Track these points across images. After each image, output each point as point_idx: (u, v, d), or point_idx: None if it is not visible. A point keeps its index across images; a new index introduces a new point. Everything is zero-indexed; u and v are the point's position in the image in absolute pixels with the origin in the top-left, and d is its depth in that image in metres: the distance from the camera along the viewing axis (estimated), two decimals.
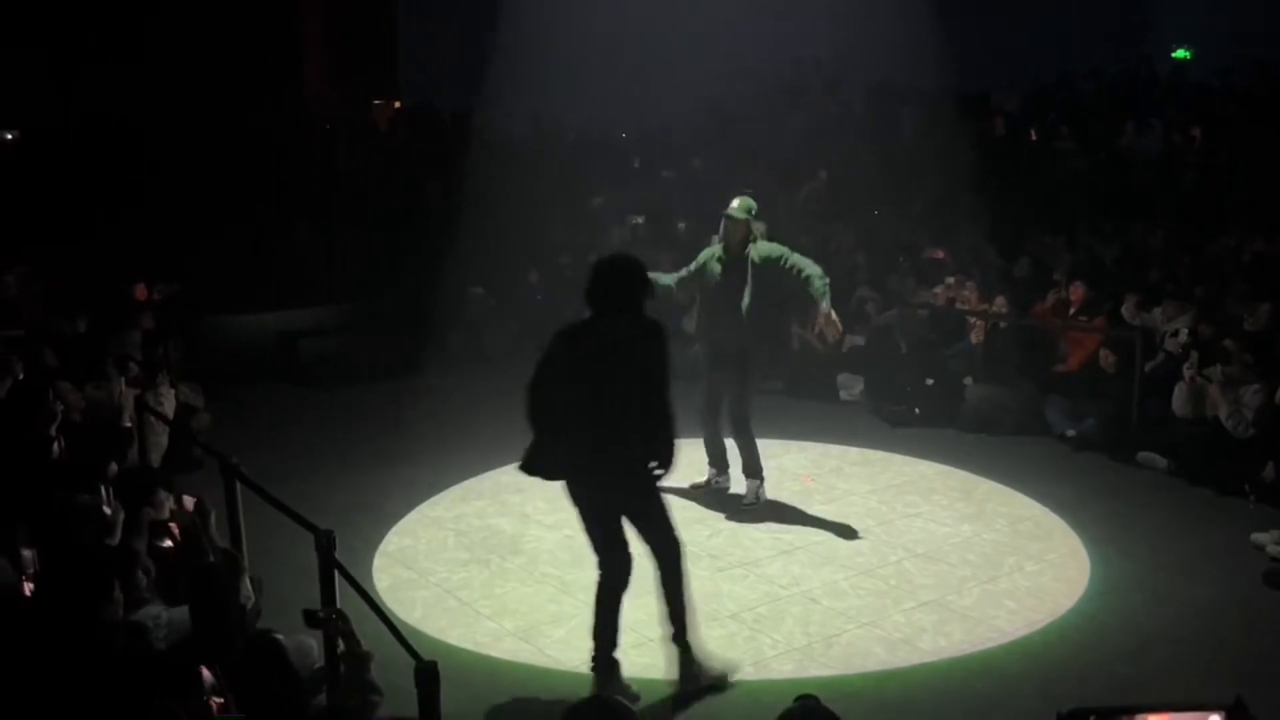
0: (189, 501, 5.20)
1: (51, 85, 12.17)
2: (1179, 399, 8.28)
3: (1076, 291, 9.62)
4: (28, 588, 4.34)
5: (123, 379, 7.83)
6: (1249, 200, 10.87)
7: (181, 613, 4.25)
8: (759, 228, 7.27)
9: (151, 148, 12.16)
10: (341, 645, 3.93)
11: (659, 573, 5.20)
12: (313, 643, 4.54)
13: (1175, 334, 8.89)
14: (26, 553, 4.56)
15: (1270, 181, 10.97)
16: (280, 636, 4.15)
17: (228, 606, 3.98)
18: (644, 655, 5.65)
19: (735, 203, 7.18)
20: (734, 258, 7.13)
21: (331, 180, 13.58)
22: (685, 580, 5.23)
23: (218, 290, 11.22)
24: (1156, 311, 9.36)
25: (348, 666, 3.86)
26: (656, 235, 12.59)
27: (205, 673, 3.40)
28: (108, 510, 4.92)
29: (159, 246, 10.84)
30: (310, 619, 3.98)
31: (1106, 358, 9.02)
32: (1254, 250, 9.99)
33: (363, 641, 3.90)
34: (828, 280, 7.03)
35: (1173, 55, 17.56)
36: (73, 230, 10.96)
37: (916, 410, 9.65)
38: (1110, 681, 5.41)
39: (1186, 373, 8.19)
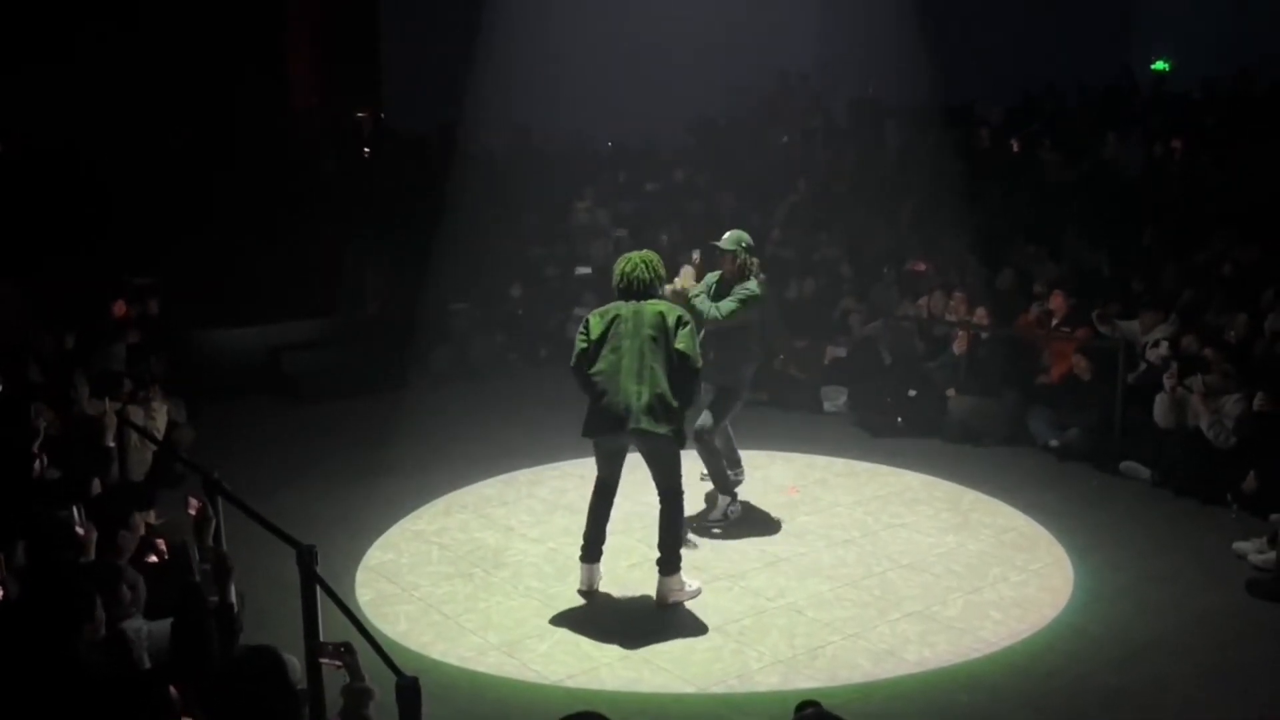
0: (194, 504, 5.15)
1: (40, 97, 12.11)
2: (1160, 409, 8.30)
3: (1056, 301, 9.64)
4: None
5: (107, 397, 7.77)
6: (1230, 211, 10.92)
7: (162, 626, 4.21)
8: (753, 262, 7.38)
9: (135, 160, 12.11)
10: (347, 678, 3.89)
11: (660, 509, 6.30)
12: (295, 660, 4.51)
13: (1156, 344, 8.93)
14: None
15: (1250, 192, 11.03)
16: (287, 656, 4.12)
17: (209, 626, 3.94)
18: (629, 668, 5.64)
19: (726, 235, 7.37)
20: (727, 285, 7.28)
21: (316, 194, 13.54)
22: (677, 521, 6.33)
23: (201, 304, 11.17)
24: (1134, 322, 9.39)
25: (348, 701, 3.82)
26: (640, 248, 12.58)
27: (173, 692, 3.35)
28: (80, 530, 4.88)
29: (143, 260, 10.79)
30: (318, 649, 3.94)
31: (1079, 363, 9.06)
32: (1234, 260, 10.04)
33: (367, 677, 3.87)
34: (719, 314, 7.07)
35: (1152, 67, 17.66)
36: (56, 245, 10.90)
37: (900, 420, 9.65)
38: (1096, 692, 5.42)
39: (1168, 383, 8.22)
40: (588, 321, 6.24)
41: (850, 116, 15.63)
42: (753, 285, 7.24)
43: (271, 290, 11.70)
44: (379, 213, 13.10)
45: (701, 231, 13.00)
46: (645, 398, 6.02)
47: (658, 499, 6.35)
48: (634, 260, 6.34)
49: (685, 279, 7.25)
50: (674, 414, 6.10)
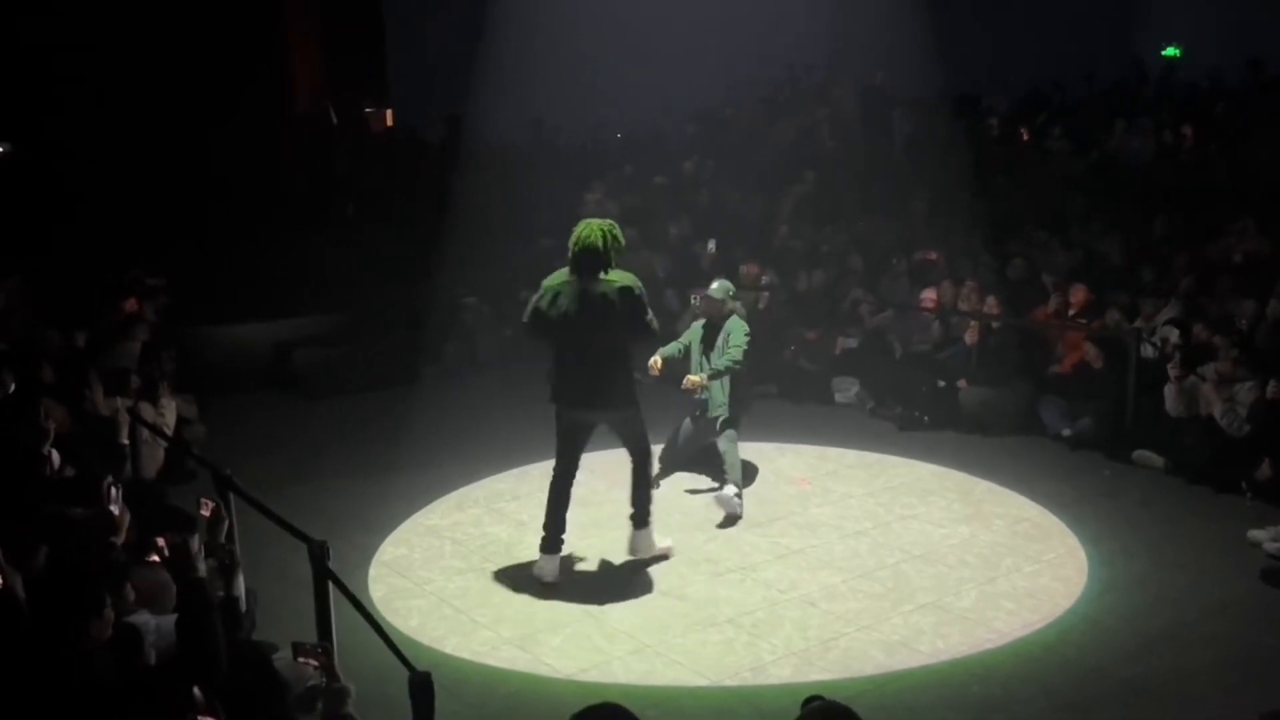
0: (207, 505, 5.16)
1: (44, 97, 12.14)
2: (1170, 399, 8.26)
3: (1078, 294, 9.57)
4: None
5: (118, 395, 7.79)
6: (1240, 198, 10.87)
7: (170, 621, 4.22)
8: (735, 305, 8.15)
9: (144, 158, 12.12)
10: (324, 679, 3.90)
11: (631, 466, 6.67)
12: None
13: (1166, 323, 8.89)
14: None
15: (1261, 179, 10.98)
16: (278, 652, 4.13)
17: (214, 622, 3.94)
18: (641, 661, 5.64)
19: (715, 284, 8.10)
20: (714, 326, 7.98)
21: (325, 190, 13.54)
22: (646, 475, 6.72)
23: (208, 300, 11.18)
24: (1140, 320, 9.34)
25: (326, 701, 3.84)
26: (648, 239, 12.58)
27: (196, 691, 3.36)
28: (114, 509, 4.88)
29: (150, 257, 10.81)
30: (297, 649, 3.96)
31: (1089, 351, 9.03)
32: (1245, 249, 9.99)
33: (341, 676, 3.88)
34: (730, 366, 7.74)
35: (1163, 53, 17.58)
36: (64, 242, 10.92)
37: (925, 418, 9.57)
38: (1111, 682, 5.40)
39: (1171, 372, 8.19)
40: (541, 290, 6.39)
41: (858, 106, 15.56)
42: (743, 325, 7.91)
43: (281, 286, 11.69)
44: (384, 208, 13.10)
45: (711, 223, 13.00)
46: (591, 377, 6.30)
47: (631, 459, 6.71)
48: (592, 226, 6.33)
49: (691, 381, 7.83)
50: (623, 385, 6.39)
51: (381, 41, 15.28)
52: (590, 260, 6.22)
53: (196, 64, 12.39)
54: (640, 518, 6.75)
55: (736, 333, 7.81)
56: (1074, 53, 16.53)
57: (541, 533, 6.57)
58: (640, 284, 6.33)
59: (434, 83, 16.26)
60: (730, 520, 7.44)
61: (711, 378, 7.77)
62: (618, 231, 6.38)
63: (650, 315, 6.34)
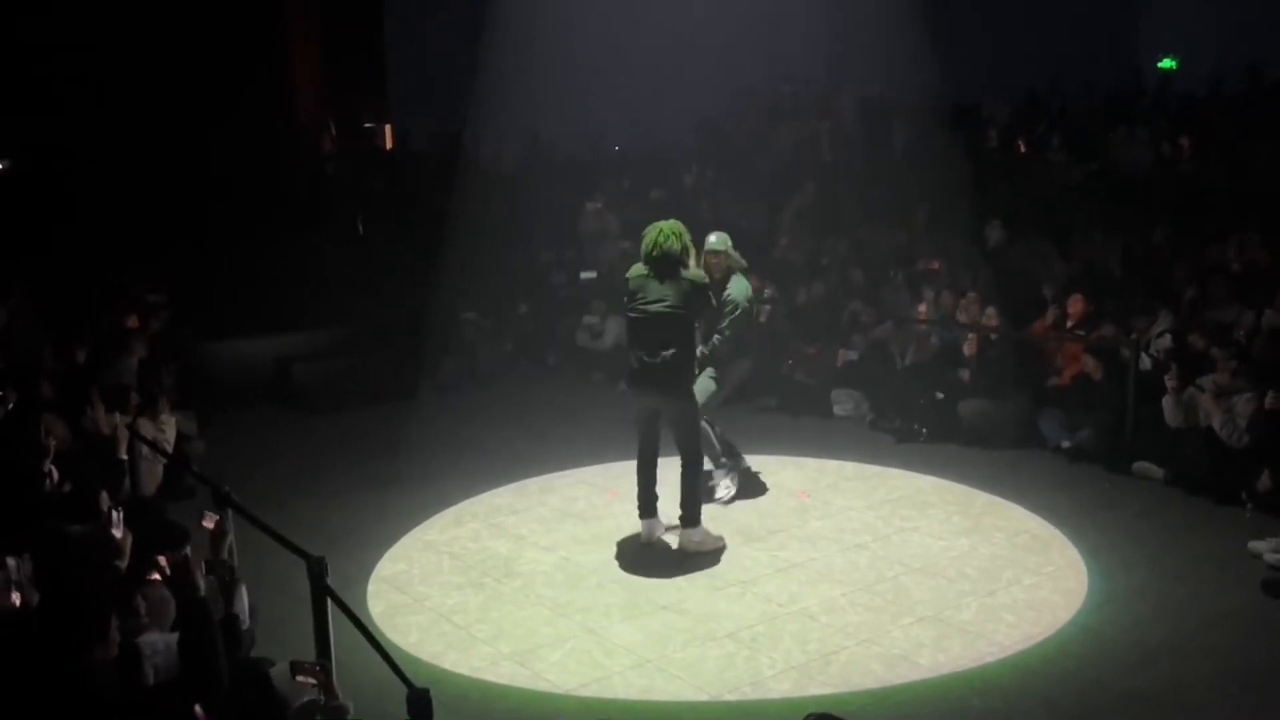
0: (210, 519, 5.16)
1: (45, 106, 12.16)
2: (1169, 410, 8.25)
3: (1075, 305, 9.58)
4: (16, 597, 4.31)
5: (117, 411, 7.79)
6: (1239, 206, 10.88)
7: (171, 638, 4.22)
8: (737, 257, 7.76)
9: (144, 159, 12.12)
10: (322, 696, 3.90)
11: (680, 467, 7.02)
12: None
13: (1161, 336, 8.89)
14: (11, 561, 4.49)
15: (1260, 185, 10.99)
16: (271, 666, 4.12)
17: (215, 640, 3.94)
18: (641, 676, 5.63)
19: (713, 237, 7.77)
20: (717, 285, 7.56)
21: (325, 204, 13.55)
22: (697, 476, 7.05)
23: (210, 308, 11.18)
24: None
25: (325, 718, 3.83)
26: None
27: (197, 709, 3.36)
28: (117, 533, 4.87)
29: (152, 258, 10.81)
30: (296, 668, 3.96)
31: (1088, 363, 9.03)
32: (1244, 260, 9.99)
33: (339, 693, 3.87)
34: (717, 347, 7.59)
35: (1159, 65, 17.64)
36: (64, 243, 10.92)
37: (924, 430, 9.56)
38: (1112, 694, 5.39)
39: (1169, 384, 8.19)
40: (629, 282, 6.95)
41: (857, 117, 15.57)
42: (737, 295, 7.57)
43: (279, 288, 11.69)
44: (384, 221, 13.10)
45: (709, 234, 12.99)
46: (660, 366, 6.73)
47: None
48: (665, 231, 6.83)
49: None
50: (684, 377, 6.90)
51: (381, 43, 15.32)
52: (669, 260, 6.77)
53: (196, 64, 12.38)
54: (690, 518, 7.06)
55: (729, 299, 7.52)
56: (1073, 54, 16.59)
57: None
58: (708, 280, 7.05)
59: (433, 85, 16.30)
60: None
61: (707, 362, 7.53)
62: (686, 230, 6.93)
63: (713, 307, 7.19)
